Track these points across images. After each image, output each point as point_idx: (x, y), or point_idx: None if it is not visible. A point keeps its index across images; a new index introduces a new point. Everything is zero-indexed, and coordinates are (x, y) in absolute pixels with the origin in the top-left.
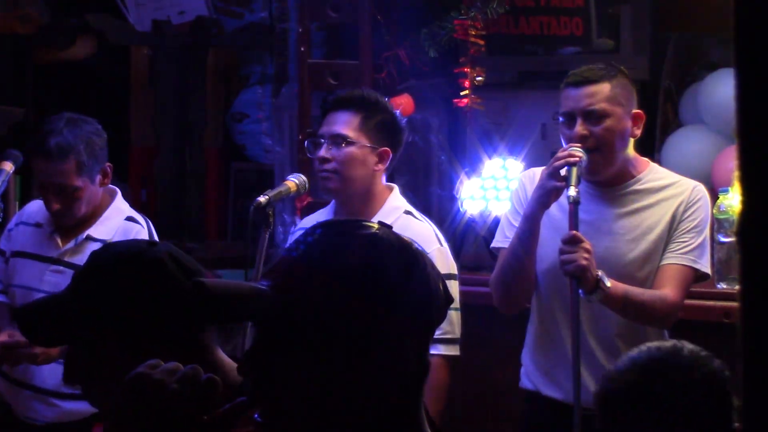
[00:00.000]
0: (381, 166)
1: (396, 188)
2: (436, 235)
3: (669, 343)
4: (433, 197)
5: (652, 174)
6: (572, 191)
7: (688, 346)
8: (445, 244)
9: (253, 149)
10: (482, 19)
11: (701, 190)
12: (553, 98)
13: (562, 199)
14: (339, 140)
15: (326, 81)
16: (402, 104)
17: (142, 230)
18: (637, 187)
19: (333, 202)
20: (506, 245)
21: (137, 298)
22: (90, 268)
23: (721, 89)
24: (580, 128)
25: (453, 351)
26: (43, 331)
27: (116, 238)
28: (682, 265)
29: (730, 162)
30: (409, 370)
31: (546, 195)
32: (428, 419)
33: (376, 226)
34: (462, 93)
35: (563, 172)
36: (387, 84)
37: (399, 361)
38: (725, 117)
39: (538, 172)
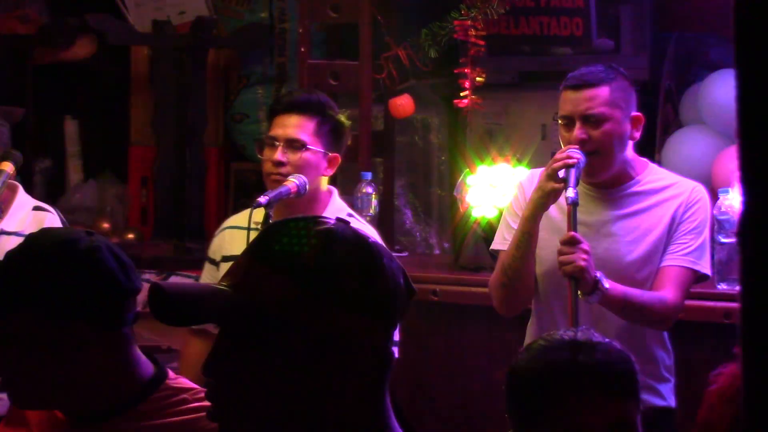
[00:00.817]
0: (329, 171)
1: (335, 191)
2: (378, 237)
3: (569, 330)
4: (433, 197)
5: (652, 175)
6: (570, 192)
7: (584, 329)
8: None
9: (253, 149)
10: (482, 20)
11: (701, 190)
12: (554, 98)
13: (562, 200)
14: (296, 145)
15: (326, 81)
16: (402, 104)
17: (53, 217)
18: (636, 188)
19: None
20: (505, 247)
21: (67, 282)
22: (25, 247)
23: (721, 89)
24: (578, 132)
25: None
26: None
27: (29, 228)
28: (682, 266)
29: (730, 162)
30: (370, 365)
31: (544, 197)
32: (396, 412)
33: (332, 221)
34: (462, 93)
35: (561, 173)
36: (387, 84)
37: (360, 356)
38: (725, 117)
39: (537, 174)
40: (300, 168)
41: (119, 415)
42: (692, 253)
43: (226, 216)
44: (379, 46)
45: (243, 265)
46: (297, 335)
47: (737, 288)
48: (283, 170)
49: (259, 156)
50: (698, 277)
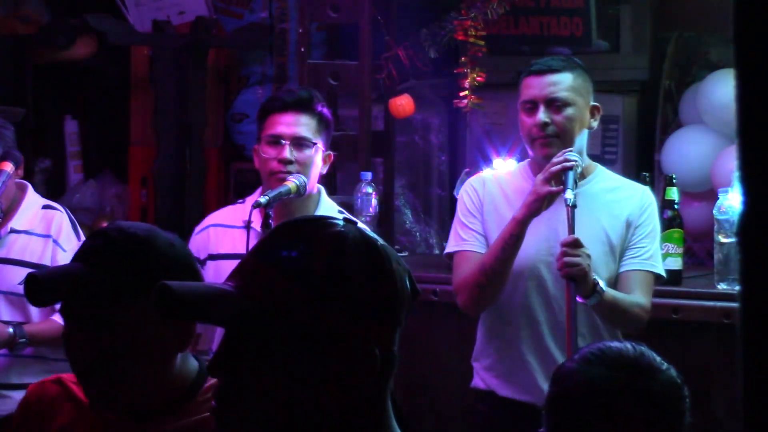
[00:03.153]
0: (325, 169)
1: (323, 189)
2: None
3: (628, 345)
4: (433, 197)
5: (601, 175)
6: (569, 194)
7: (645, 349)
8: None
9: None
10: (482, 20)
11: (650, 194)
12: None
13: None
14: (305, 143)
15: (326, 81)
16: (402, 104)
17: (63, 215)
18: (588, 187)
19: (248, 200)
20: (463, 248)
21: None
22: (100, 239)
23: (721, 89)
24: (541, 115)
25: None
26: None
27: (39, 227)
28: (646, 270)
29: (730, 162)
30: (375, 367)
31: (539, 200)
32: (397, 413)
33: (341, 223)
34: (462, 93)
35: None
36: (387, 84)
37: (365, 360)
38: (725, 117)
39: (487, 178)
40: (307, 166)
41: (178, 409)
42: (653, 257)
43: None
44: (379, 46)
45: (251, 266)
46: (303, 339)
47: (737, 288)
48: (291, 168)
49: (263, 155)
50: (656, 278)
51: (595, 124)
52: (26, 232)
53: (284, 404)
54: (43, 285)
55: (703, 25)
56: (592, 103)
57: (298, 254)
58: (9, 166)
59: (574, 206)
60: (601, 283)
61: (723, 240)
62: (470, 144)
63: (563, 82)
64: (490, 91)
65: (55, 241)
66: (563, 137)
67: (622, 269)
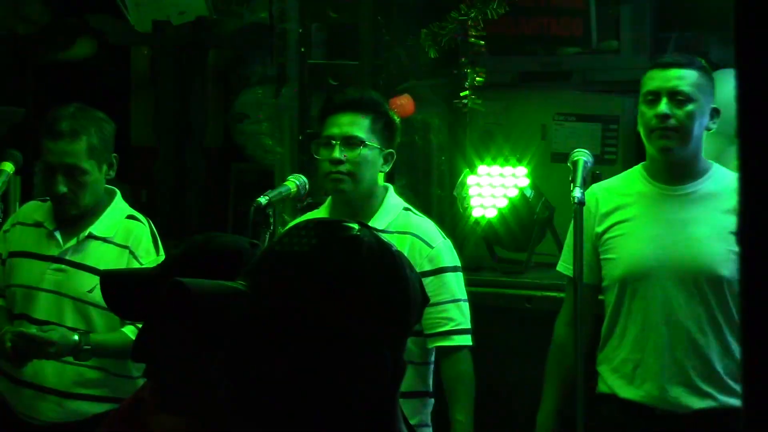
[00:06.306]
0: (385, 168)
1: (391, 187)
2: (438, 229)
3: None
4: (433, 197)
5: (720, 173)
6: (577, 192)
7: None
8: (447, 238)
9: (253, 150)
10: (482, 20)
11: None
12: (554, 98)
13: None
14: (354, 142)
15: (326, 81)
16: (402, 104)
17: (144, 228)
18: (710, 184)
19: (329, 201)
20: (570, 272)
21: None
22: (190, 252)
23: (721, 89)
24: (664, 107)
25: (469, 341)
26: (129, 303)
27: (118, 236)
28: None
29: (730, 162)
30: (385, 372)
31: None
32: (404, 420)
33: (356, 227)
34: (462, 93)
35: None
36: (387, 84)
37: (376, 365)
38: (725, 117)
39: (605, 186)
40: (358, 165)
41: None
42: None
43: (226, 216)
44: (379, 46)
45: (263, 266)
46: (314, 341)
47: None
48: (342, 168)
49: (317, 157)
50: None
51: (713, 126)
52: (105, 240)
53: (293, 406)
54: None
55: (703, 25)
56: (713, 105)
57: (312, 256)
58: (9, 166)
59: (581, 204)
60: None
61: None
62: (470, 144)
63: (688, 78)
64: (490, 91)
65: (132, 253)
66: (682, 132)
67: None
